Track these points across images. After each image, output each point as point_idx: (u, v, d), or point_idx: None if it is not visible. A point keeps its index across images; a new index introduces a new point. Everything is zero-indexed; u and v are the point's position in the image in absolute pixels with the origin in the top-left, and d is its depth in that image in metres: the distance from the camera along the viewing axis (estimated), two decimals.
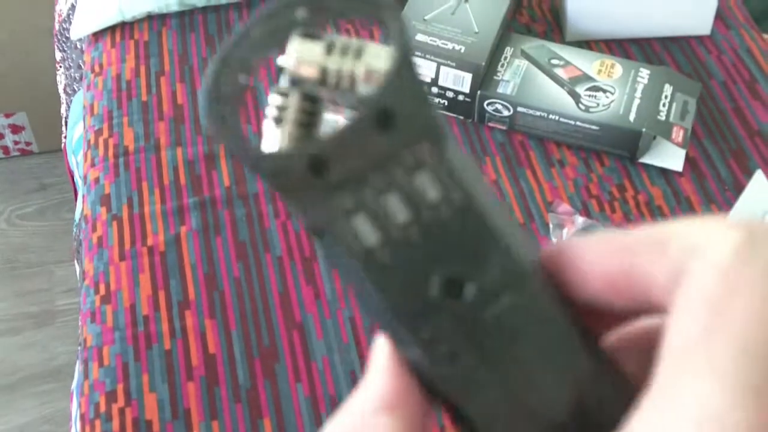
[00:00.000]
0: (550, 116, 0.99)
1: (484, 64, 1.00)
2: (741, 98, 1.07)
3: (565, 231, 0.93)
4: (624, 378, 0.24)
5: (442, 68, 1.01)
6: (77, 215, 1.17)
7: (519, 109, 1.00)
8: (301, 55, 0.22)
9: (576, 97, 0.99)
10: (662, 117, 0.98)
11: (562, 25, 1.13)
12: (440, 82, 1.02)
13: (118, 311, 0.89)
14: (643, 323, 0.24)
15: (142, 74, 1.11)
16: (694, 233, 0.21)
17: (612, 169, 1.00)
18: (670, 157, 0.99)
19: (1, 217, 1.85)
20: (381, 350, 0.24)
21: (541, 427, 0.23)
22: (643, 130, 0.96)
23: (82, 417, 0.83)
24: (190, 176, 1.00)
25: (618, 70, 1.02)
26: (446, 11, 1.04)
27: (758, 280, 0.19)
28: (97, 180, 1.01)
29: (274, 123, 0.22)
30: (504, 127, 1.03)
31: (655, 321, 0.24)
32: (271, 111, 0.23)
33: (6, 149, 1.93)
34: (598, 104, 0.99)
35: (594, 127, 0.98)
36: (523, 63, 1.03)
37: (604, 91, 1.00)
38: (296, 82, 0.23)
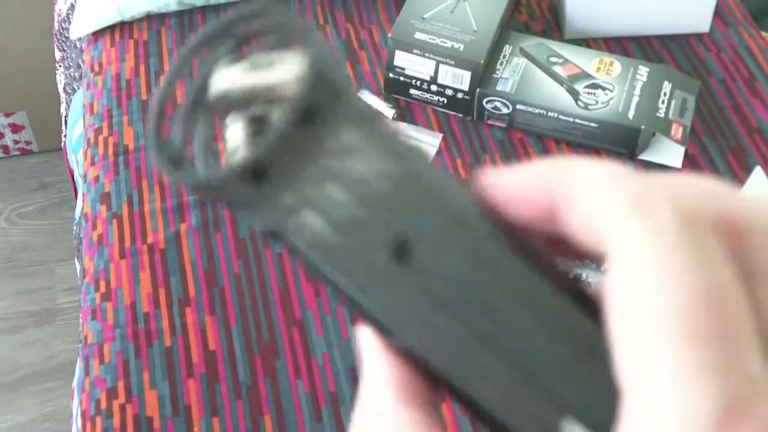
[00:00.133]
0: (549, 114, 0.99)
1: (483, 62, 1.00)
2: (740, 96, 1.07)
3: None
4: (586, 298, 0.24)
5: (441, 66, 1.01)
6: (77, 213, 1.17)
7: (518, 106, 1.00)
8: (229, 81, 0.25)
9: (575, 94, 1.00)
10: (661, 114, 0.98)
11: (561, 23, 1.14)
12: (439, 80, 1.02)
13: (119, 309, 0.89)
14: None
15: (141, 73, 1.11)
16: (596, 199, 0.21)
17: None
18: (669, 154, 0.99)
19: (1, 216, 1.86)
20: (369, 343, 0.24)
21: (537, 383, 0.23)
22: (642, 127, 0.97)
23: (83, 414, 0.84)
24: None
25: (617, 67, 1.02)
26: (445, 10, 1.04)
27: (671, 255, 0.19)
28: (97, 178, 1.01)
29: (230, 153, 0.24)
30: (503, 125, 1.03)
31: None
32: (226, 145, 0.25)
33: (6, 148, 1.94)
34: (597, 102, 0.99)
35: (593, 125, 0.98)
36: (522, 61, 1.03)
37: (603, 88, 1.00)
38: (237, 108, 0.25)
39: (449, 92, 1.03)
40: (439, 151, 1.02)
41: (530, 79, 1.02)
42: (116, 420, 0.82)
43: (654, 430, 0.18)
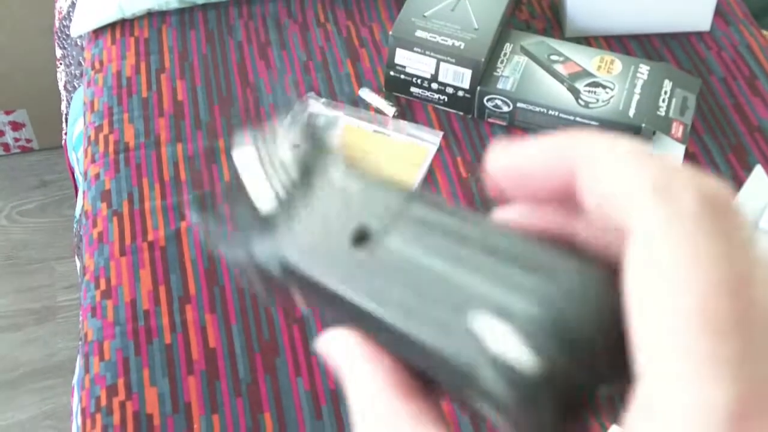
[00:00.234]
0: (550, 112, 0.99)
1: (483, 60, 1.00)
2: (741, 94, 1.07)
3: None
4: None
5: (442, 64, 1.01)
6: (78, 211, 1.17)
7: (519, 104, 1.00)
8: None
9: (576, 92, 1.00)
10: (662, 112, 0.98)
11: (562, 22, 1.14)
12: (440, 78, 1.02)
13: (119, 306, 0.89)
14: None
15: (142, 71, 1.11)
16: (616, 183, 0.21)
17: None
18: (669, 152, 0.99)
19: (1, 214, 1.86)
20: (351, 348, 0.24)
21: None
22: (643, 125, 0.97)
23: (83, 411, 0.84)
24: (191, 172, 1.00)
25: (618, 66, 1.02)
26: (446, 8, 1.04)
27: (693, 244, 0.19)
28: (97, 176, 1.01)
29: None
30: (504, 123, 1.03)
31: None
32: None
33: (6, 146, 1.94)
34: (597, 100, 0.99)
35: (594, 123, 0.98)
36: (523, 59, 1.03)
37: (604, 86, 1.00)
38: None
39: (450, 90, 1.03)
40: (439, 149, 1.02)
41: (531, 77, 1.02)
42: (116, 417, 0.82)
43: (668, 419, 0.18)
